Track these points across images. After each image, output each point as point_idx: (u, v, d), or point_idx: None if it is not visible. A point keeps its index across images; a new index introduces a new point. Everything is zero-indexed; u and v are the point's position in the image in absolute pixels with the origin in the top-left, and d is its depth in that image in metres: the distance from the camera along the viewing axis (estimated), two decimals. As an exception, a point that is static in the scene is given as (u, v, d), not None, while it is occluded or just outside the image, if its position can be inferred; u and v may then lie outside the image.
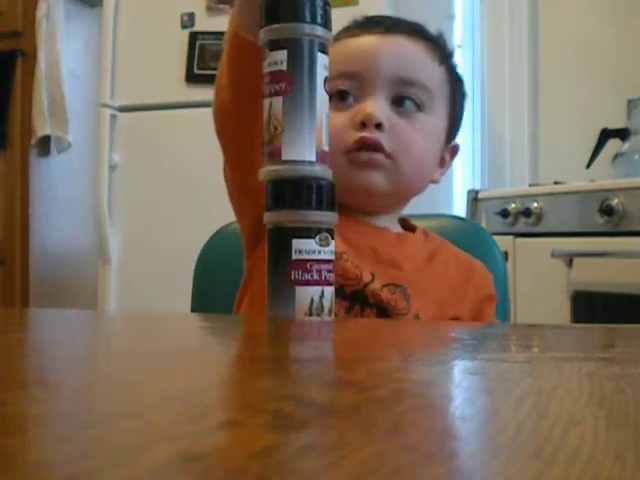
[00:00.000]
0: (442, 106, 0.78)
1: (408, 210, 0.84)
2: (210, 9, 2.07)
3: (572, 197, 1.68)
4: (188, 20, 2.11)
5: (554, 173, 2.04)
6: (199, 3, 2.09)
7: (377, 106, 0.72)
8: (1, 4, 2.44)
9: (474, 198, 1.94)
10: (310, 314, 0.55)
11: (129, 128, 2.16)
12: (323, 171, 0.56)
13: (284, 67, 0.55)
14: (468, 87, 0.84)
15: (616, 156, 1.96)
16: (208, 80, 1.74)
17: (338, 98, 0.74)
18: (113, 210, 2.15)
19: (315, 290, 0.55)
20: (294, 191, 0.55)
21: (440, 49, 0.79)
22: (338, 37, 0.78)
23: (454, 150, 0.84)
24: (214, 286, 0.96)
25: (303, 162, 0.55)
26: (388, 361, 0.33)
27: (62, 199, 2.56)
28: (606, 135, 1.99)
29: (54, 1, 2.40)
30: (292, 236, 0.55)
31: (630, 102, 2.00)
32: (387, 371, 0.29)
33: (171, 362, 0.31)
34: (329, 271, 0.56)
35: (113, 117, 2.15)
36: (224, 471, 0.15)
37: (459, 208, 2.11)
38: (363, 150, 0.72)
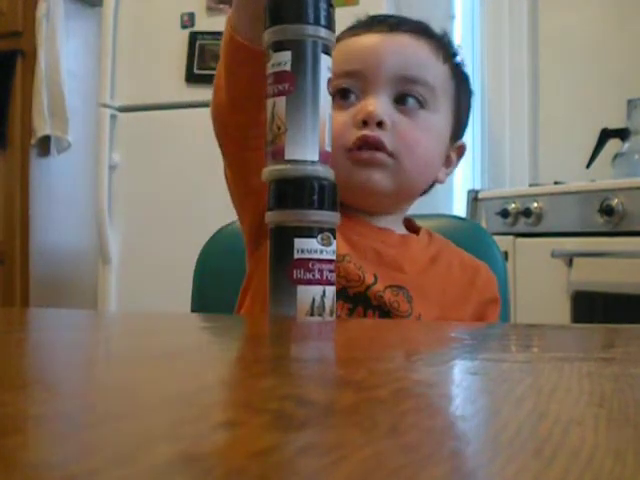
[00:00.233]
0: (446, 104, 0.77)
1: (408, 210, 0.83)
2: (210, 9, 2.07)
3: (572, 197, 1.68)
4: (188, 20, 2.11)
5: (554, 173, 2.04)
6: (199, 3, 2.09)
7: (379, 104, 0.72)
8: (1, 4, 2.44)
9: (474, 198, 1.94)
10: (311, 314, 0.55)
11: (129, 128, 2.16)
12: (325, 171, 0.56)
13: (288, 68, 0.55)
14: (470, 79, 0.84)
15: (616, 156, 1.96)
16: (208, 80, 1.74)
17: (340, 96, 0.74)
18: (113, 210, 2.15)
19: (317, 289, 0.55)
20: (296, 191, 0.55)
21: (444, 47, 0.78)
22: (342, 36, 0.78)
23: (461, 149, 0.83)
24: (214, 286, 0.96)
25: (306, 162, 0.55)
26: (388, 361, 0.33)
27: (62, 199, 2.56)
28: (606, 135, 1.99)
29: (54, 1, 2.40)
30: (294, 235, 0.55)
31: (630, 102, 2.00)
32: (387, 371, 0.29)
33: (171, 362, 0.31)
34: (331, 271, 0.56)
35: (113, 117, 2.15)
36: (224, 471, 0.15)
37: (459, 208, 2.11)
38: (364, 148, 0.72)
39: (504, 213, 1.79)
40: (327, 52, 0.57)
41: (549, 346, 0.42)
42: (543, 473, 0.16)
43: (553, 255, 1.60)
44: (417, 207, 0.86)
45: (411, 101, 0.74)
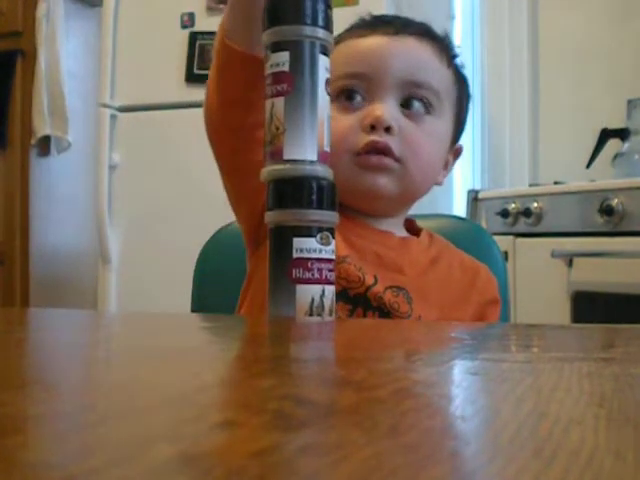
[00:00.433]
0: (449, 108, 0.78)
1: (409, 212, 0.83)
2: (210, 9, 2.07)
3: (572, 197, 1.68)
4: (188, 20, 2.11)
5: (554, 173, 2.04)
6: (199, 3, 2.09)
7: (387, 109, 0.72)
8: (1, 4, 2.45)
9: (474, 198, 1.94)
10: (311, 313, 0.55)
11: (129, 128, 2.16)
12: (324, 171, 0.56)
13: (286, 68, 0.55)
14: (469, 82, 0.84)
15: (616, 156, 1.96)
16: (208, 80, 1.74)
17: (345, 98, 0.74)
18: (113, 210, 2.15)
19: (316, 289, 0.55)
20: (295, 190, 0.55)
21: (447, 50, 0.78)
22: (345, 36, 0.78)
23: (457, 152, 0.83)
24: (214, 286, 0.96)
25: (304, 162, 0.55)
26: (388, 361, 0.33)
27: (62, 199, 2.56)
28: (606, 135, 1.99)
29: (54, 1, 2.40)
30: (293, 235, 0.55)
31: (630, 102, 2.00)
32: (387, 371, 0.29)
33: (171, 362, 0.31)
34: (330, 270, 0.56)
35: (113, 117, 2.15)
36: (224, 471, 0.15)
37: (459, 208, 2.11)
38: (372, 153, 0.72)
39: (504, 213, 1.79)
40: (325, 53, 0.57)
41: (549, 346, 0.42)
42: (543, 473, 0.16)
43: (553, 255, 1.60)
44: (417, 207, 0.86)
45: (417, 105, 0.74)
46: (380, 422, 0.20)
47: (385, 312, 0.70)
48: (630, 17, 2.16)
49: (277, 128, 0.56)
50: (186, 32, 2.10)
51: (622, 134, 1.97)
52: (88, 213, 2.44)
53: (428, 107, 0.75)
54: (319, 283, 0.55)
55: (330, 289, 0.56)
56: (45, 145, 2.48)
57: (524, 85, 2.30)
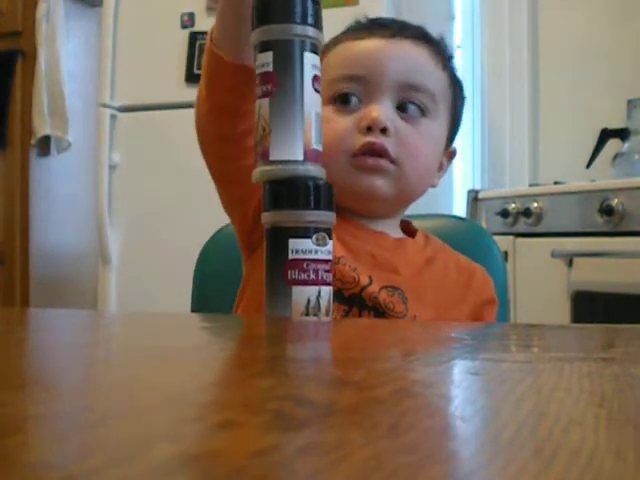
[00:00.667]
0: (445, 111, 0.78)
1: (408, 210, 0.83)
2: (210, 9, 2.07)
3: (572, 197, 1.68)
4: (188, 20, 2.11)
5: (554, 173, 2.04)
6: (199, 3, 2.09)
7: (383, 111, 0.72)
8: (1, 4, 2.45)
9: (474, 198, 1.94)
10: (307, 314, 0.55)
11: (129, 128, 2.16)
12: (317, 170, 0.56)
13: (270, 68, 0.55)
14: (468, 88, 0.85)
15: (616, 156, 1.96)
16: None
17: (341, 101, 0.75)
18: (113, 210, 2.15)
19: (312, 290, 0.55)
20: (290, 191, 0.55)
21: (442, 53, 0.79)
22: (342, 39, 0.78)
23: (452, 154, 0.84)
24: (214, 286, 0.96)
25: (291, 162, 0.55)
26: (388, 361, 0.33)
27: (62, 199, 2.56)
28: (606, 135, 1.99)
29: (54, 1, 2.40)
30: (288, 236, 0.55)
31: (630, 102, 2.00)
32: (387, 371, 0.29)
33: (171, 362, 0.31)
34: (326, 271, 0.56)
35: (113, 117, 2.15)
36: (224, 471, 0.15)
37: (459, 208, 2.11)
38: (368, 155, 0.72)
39: (504, 213, 1.79)
40: (313, 50, 0.56)
41: (549, 346, 0.42)
42: (543, 473, 0.16)
43: (553, 255, 1.60)
44: (417, 207, 0.86)
45: (413, 108, 0.75)
46: (379, 422, 0.20)
47: (380, 312, 0.70)
48: (630, 17, 2.16)
49: (264, 129, 0.56)
50: (186, 32, 2.10)
51: (622, 134, 1.97)
52: (88, 213, 2.43)
53: (424, 110, 0.75)
54: (315, 284, 0.55)
55: (327, 290, 0.56)
56: (45, 145, 2.48)
57: (524, 85, 2.30)
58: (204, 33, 2.08)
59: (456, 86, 0.81)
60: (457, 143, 0.85)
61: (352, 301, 0.70)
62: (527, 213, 1.73)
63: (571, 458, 0.17)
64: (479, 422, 0.21)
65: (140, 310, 1.93)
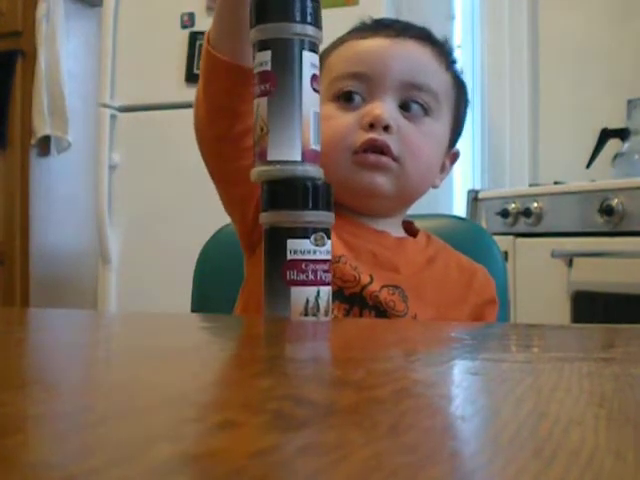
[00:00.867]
0: (447, 112, 0.78)
1: (409, 210, 0.83)
2: (210, 9, 2.07)
3: (572, 197, 1.68)
4: (188, 20, 2.11)
5: (554, 173, 2.04)
6: (199, 3, 2.09)
7: (386, 108, 0.73)
8: (1, 4, 2.44)
9: (474, 198, 1.94)
10: (305, 314, 0.54)
11: (129, 128, 2.16)
12: (315, 171, 0.56)
13: (268, 67, 0.55)
14: (468, 87, 0.84)
15: (616, 156, 1.96)
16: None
17: (344, 99, 0.75)
18: (113, 210, 2.15)
19: (310, 290, 0.55)
20: (288, 191, 0.55)
21: (446, 54, 0.79)
22: (347, 38, 0.79)
23: (454, 156, 0.84)
24: (214, 286, 0.96)
25: (289, 162, 0.55)
26: (388, 361, 0.33)
27: (62, 199, 2.56)
28: (606, 135, 1.99)
29: (54, 1, 2.40)
30: (287, 236, 0.54)
31: (630, 102, 2.00)
32: (386, 371, 0.29)
33: (171, 362, 0.31)
34: (325, 271, 0.55)
35: (113, 117, 2.15)
36: (224, 471, 0.15)
37: (459, 208, 2.11)
38: (370, 152, 0.72)
39: (504, 213, 1.79)
40: (311, 49, 0.56)
41: (549, 346, 0.42)
42: (543, 473, 0.16)
43: (553, 255, 1.60)
44: (417, 207, 0.86)
45: (415, 108, 0.75)
46: (379, 422, 0.20)
47: (381, 311, 0.70)
48: (630, 17, 2.16)
49: (262, 129, 0.55)
50: (186, 32, 2.10)
51: (622, 134, 1.97)
52: (88, 213, 2.43)
53: (427, 109, 0.75)
54: (314, 284, 0.55)
55: (325, 290, 0.56)
56: (45, 145, 2.47)
57: (524, 85, 2.30)
58: (204, 33, 2.08)
59: (460, 88, 0.81)
60: (458, 144, 0.85)
61: (353, 300, 0.70)
62: (527, 213, 1.73)
63: (571, 458, 0.17)
64: (479, 422, 0.21)
65: (140, 310, 1.93)
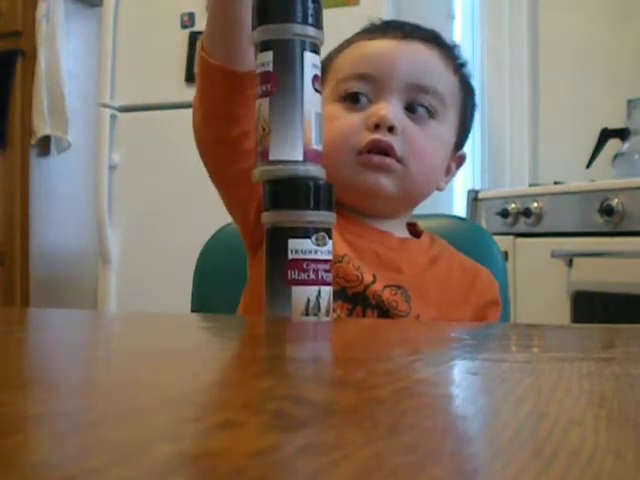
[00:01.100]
0: (453, 115, 0.78)
1: (410, 215, 0.83)
2: (210, 9, 2.07)
3: (572, 197, 1.68)
4: (188, 20, 2.11)
5: (554, 173, 2.04)
6: (199, 3, 2.09)
7: (391, 109, 0.73)
8: (1, 4, 2.44)
9: (474, 198, 1.94)
10: (307, 314, 0.55)
11: (129, 128, 2.16)
12: (317, 170, 0.56)
13: (270, 68, 0.55)
14: (476, 91, 0.84)
15: (616, 156, 1.96)
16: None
17: (351, 100, 0.75)
18: (113, 210, 2.15)
19: (311, 290, 0.55)
20: (289, 191, 0.55)
21: (454, 58, 0.79)
22: (355, 39, 0.79)
23: (460, 159, 0.84)
24: (214, 286, 0.96)
25: (291, 162, 0.55)
26: (388, 361, 0.33)
27: (62, 199, 2.56)
28: (606, 135, 1.98)
29: (54, 1, 2.40)
30: (288, 236, 0.55)
31: (630, 102, 2.00)
32: (387, 371, 0.29)
33: (171, 362, 0.31)
34: (326, 271, 0.56)
35: (113, 117, 2.15)
36: (224, 471, 0.15)
37: (459, 208, 2.11)
38: (374, 152, 0.72)
39: (504, 213, 1.79)
40: (313, 49, 0.56)
41: (549, 346, 0.42)
42: (543, 473, 0.16)
43: (553, 255, 1.60)
44: (417, 207, 0.86)
45: (421, 110, 0.75)
46: (380, 422, 0.20)
47: (384, 310, 0.70)
48: (630, 17, 2.16)
49: (263, 129, 0.56)
50: (186, 32, 2.10)
51: (622, 134, 1.97)
52: (88, 213, 2.43)
53: (432, 112, 0.75)
54: (315, 284, 0.55)
55: (326, 290, 0.56)
56: (45, 145, 2.47)
57: (524, 85, 2.30)
58: (204, 33, 2.08)
59: (467, 91, 0.81)
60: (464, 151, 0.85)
61: (356, 299, 0.70)
62: (527, 213, 1.73)
63: (571, 458, 0.17)
64: (479, 422, 0.21)
65: (140, 310, 1.93)
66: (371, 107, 0.73)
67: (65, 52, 2.45)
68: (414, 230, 0.82)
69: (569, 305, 1.60)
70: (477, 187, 2.17)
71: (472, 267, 0.80)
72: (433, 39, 0.78)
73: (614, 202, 1.54)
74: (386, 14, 1.80)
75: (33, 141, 2.43)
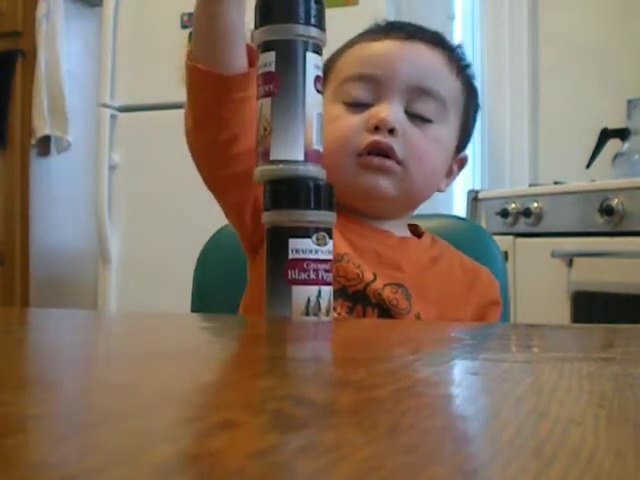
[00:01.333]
0: (455, 117, 0.78)
1: (411, 216, 0.84)
2: (210, 9, 2.07)
3: (572, 197, 1.68)
4: (188, 20, 2.11)
5: (554, 173, 2.04)
6: (199, 3, 2.09)
7: (392, 111, 0.72)
8: (1, 4, 2.44)
9: (474, 198, 1.94)
10: (307, 314, 0.55)
11: (129, 128, 2.16)
12: (317, 171, 0.56)
13: (272, 68, 0.55)
14: (479, 93, 0.84)
15: (616, 156, 1.96)
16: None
17: (352, 102, 0.75)
18: (113, 210, 2.15)
19: (312, 290, 0.55)
20: (290, 191, 0.55)
21: (458, 60, 0.79)
22: (358, 40, 0.79)
23: (462, 161, 0.84)
24: (214, 286, 0.96)
25: (292, 162, 0.55)
26: (388, 361, 0.33)
27: (62, 199, 2.56)
28: (606, 135, 1.98)
29: (54, 1, 2.40)
30: (289, 236, 0.55)
31: (630, 102, 2.00)
32: (387, 371, 0.29)
33: (171, 362, 0.31)
34: (326, 270, 0.56)
35: (113, 117, 2.15)
36: (224, 471, 0.15)
37: (459, 208, 2.11)
38: (374, 154, 0.72)
39: (504, 213, 1.79)
40: (315, 50, 0.57)
41: (549, 346, 0.42)
42: (543, 473, 0.16)
43: (553, 255, 1.60)
44: (418, 207, 0.86)
45: (422, 112, 0.75)
46: (380, 422, 0.20)
47: (384, 309, 0.71)
48: (630, 17, 2.16)
49: (265, 129, 0.56)
50: (186, 32, 2.10)
51: (622, 134, 1.97)
52: (88, 213, 2.43)
53: (433, 114, 0.75)
54: (315, 284, 0.55)
55: (327, 289, 0.56)
56: (45, 145, 2.47)
57: (524, 85, 2.30)
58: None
59: (470, 93, 0.81)
60: (466, 153, 0.85)
61: (356, 298, 0.70)
62: (527, 213, 1.73)
63: (571, 458, 0.17)
64: (479, 422, 0.21)
65: (140, 310, 1.93)
66: (372, 109, 0.73)
67: (65, 52, 2.45)
68: (416, 231, 0.82)
69: (569, 305, 1.60)
70: (477, 187, 2.17)
71: (473, 267, 0.80)
72: (436, 40, 0.78)
73: (614, 202, 1.54)
74: (385, 14, 1.80)
75: (33, 141, 2.43)
